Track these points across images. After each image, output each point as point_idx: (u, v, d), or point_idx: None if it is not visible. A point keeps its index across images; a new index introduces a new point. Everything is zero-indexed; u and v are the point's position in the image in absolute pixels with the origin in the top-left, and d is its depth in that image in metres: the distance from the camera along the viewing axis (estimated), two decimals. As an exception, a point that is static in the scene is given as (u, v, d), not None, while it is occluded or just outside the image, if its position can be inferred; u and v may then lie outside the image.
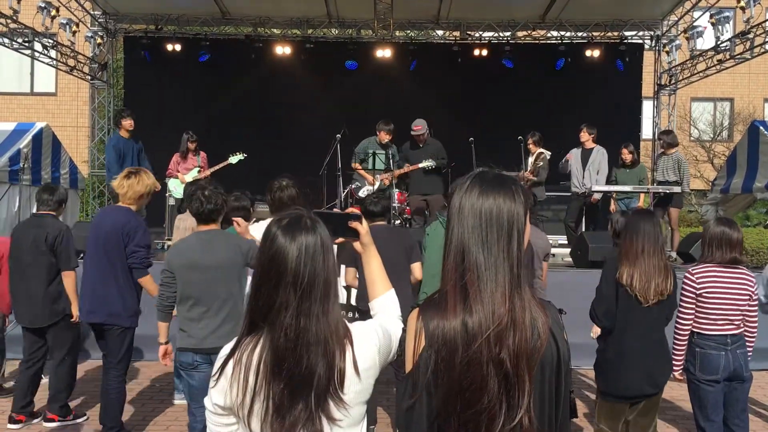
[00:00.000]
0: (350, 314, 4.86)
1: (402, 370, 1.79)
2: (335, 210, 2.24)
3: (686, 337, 4.07)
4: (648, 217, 3.92)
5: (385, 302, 2.13)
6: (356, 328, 1.90)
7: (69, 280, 5.35)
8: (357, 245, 2.13)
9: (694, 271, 4.06)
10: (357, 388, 1.81)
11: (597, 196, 9.43)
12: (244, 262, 4.08)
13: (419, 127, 9.30)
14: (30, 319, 5.43)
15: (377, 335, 1.92)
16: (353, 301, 4.78)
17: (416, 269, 5.00)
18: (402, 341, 1.87)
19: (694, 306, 4.02)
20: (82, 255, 5.10)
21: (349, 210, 2.18)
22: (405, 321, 2.01)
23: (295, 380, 1.75)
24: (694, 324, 4.05)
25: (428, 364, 1.66)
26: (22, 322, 5.51)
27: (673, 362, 4.07)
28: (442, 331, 1.66)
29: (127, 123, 9.05)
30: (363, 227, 2.11)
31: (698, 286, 4.00)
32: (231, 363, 1.80)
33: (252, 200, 5.04)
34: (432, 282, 4.97)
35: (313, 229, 1.85)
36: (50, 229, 5.31)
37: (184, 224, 5.73)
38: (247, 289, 4.06)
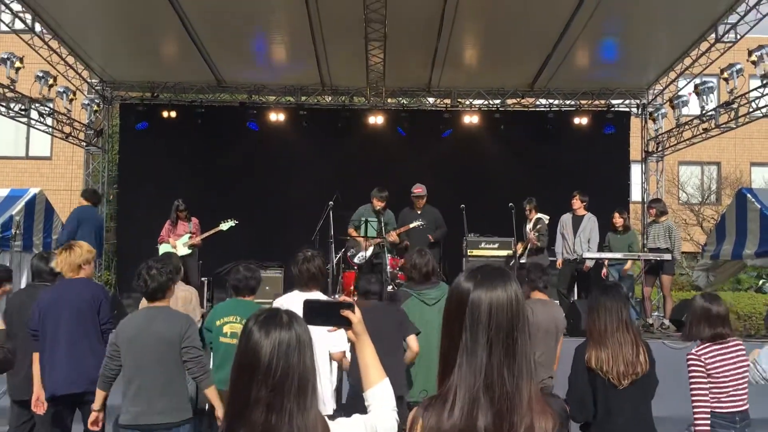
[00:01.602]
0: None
1: None
2: (328, 299, 2.27)
3: (707, 422, 3.90)
4: (609, 292, 3.88)
5: (380, 393, 2.12)
6: (339, 425, 1.89)
7: None
8: (350, 333, 2.14)
9: (699, 353, 3.99)
10: None
11: (589, 264, 9.47)
12: (179, 342, 4.16)
13: (420, 189, 9.54)
14: (14, 391, 5.28)
15: None
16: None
17: (412, 342, 4.89)
18: None
19: (707, 386, 3.94)
20: (35, 331, 4.92)
21: (342, 299, 2.21)
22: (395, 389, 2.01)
23: None
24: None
25: None
26: (12, 394, 5.36)
27: None
28: (442, 431, 1.65)
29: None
30: (355, 316, 2.12)
31: (708, 365, 3.94)
32: None
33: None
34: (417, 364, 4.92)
35: (288, 325, 1.85)
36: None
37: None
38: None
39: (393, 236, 9.30)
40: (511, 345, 1.68)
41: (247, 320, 1.89)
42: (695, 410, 3.96)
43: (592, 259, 9.36)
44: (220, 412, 4.25)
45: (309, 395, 1.81)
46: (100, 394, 4.39)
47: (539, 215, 9.34)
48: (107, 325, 4.92)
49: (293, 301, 4.50)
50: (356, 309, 2.14)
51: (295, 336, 1.84)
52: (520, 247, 9.50)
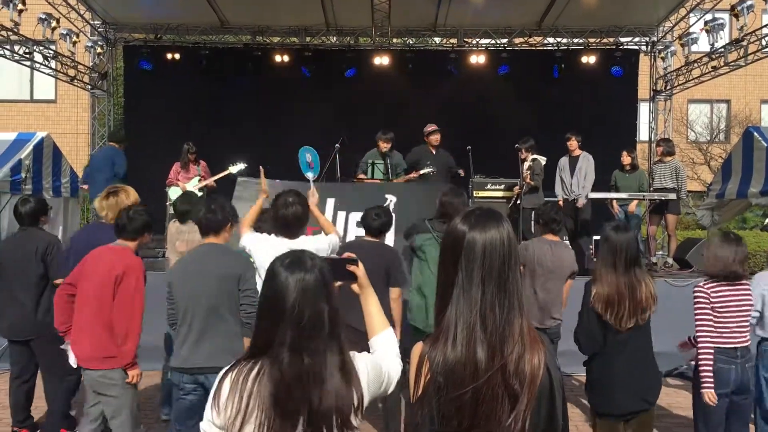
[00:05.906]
0: None
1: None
2: (333, 255, 2.36)
3: (711, 355, 4.00)
4: (620, 232, 3.80)
5: (384, 340, 2.26)
6: (355, 358, 2.00)
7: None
8: (354, 287, 2.29)
9: (706, 287, 4.06)
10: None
11: (582, 200, 9.48)
12: (237, 282, 3.92)
13: (432, 127, 9.53)
14: (12, 331, 5.35)
15: (366, 370, 2.02)
16: None
17: (394, 294, 4.78)
18: (405, 373, 1.98)
19: (711, 320, 4.01)
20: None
21: (346, 255, 2.32)
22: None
23: (290, 411, 1.83)
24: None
25: (434, 397, 1.77)
26: (3, 333, 5.46)
27: (704, 383, 4.00)
28: (447, 366, 1.76)
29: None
30: (360, 270, 2.27)
31: (713, 300, 4.02)
32: (227, 383, 1.89)
33: None
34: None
35: (313, 267, 1.94)
36: (40, 242, 5.25)
37: (189, 237, 5.61)
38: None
39: (398, 181, 9.28)
40: (502, 282, 1.79)
41: (272, 263, 1.97)
42: (699, 343, 4.06)
43: (594, 198, 9.35)
44: None
45: (336, 334, 1.92)
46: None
47: (535, 156, 9.28)
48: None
49: (269, 245, 4.38)
50: (360, 264, 2.28)
51: (321, 278, 1.93)
52: (516, 190, 9.51)
